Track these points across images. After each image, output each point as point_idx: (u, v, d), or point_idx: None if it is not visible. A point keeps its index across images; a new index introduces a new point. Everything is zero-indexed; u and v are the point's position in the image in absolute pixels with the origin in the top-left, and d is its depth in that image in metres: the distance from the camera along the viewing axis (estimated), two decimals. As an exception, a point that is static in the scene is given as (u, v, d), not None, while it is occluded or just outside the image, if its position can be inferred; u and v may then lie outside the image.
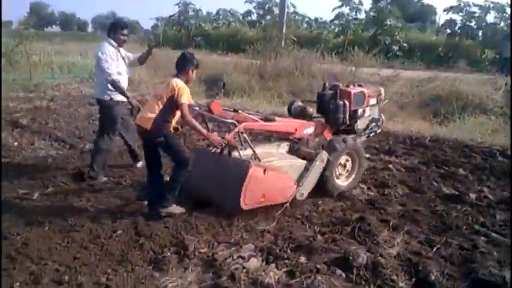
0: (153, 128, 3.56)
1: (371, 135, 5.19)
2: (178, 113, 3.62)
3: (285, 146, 4.49)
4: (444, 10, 22.15)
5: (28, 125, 7.18)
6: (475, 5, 20.39)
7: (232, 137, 3.71)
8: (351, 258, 2.97)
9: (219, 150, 3.74)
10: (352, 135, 4.66)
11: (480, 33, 19.50)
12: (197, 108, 4.07)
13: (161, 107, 3.56)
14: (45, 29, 70.51)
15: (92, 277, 2.82)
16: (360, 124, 4.87)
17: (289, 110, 4.79)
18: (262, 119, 4.15)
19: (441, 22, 24.34)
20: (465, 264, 3.08)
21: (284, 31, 15.53)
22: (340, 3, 22.63)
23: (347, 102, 4.52)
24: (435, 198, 4.47)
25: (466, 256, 3.19)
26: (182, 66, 3.71)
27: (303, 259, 3.07)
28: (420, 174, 5.24)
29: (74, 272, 2.87)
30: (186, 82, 3.67)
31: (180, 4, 28.60)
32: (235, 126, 3.75)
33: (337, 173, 4.50)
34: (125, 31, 4.63)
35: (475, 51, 18.95)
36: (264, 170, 3.69)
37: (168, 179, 3.92)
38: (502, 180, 5.14)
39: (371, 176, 5.06)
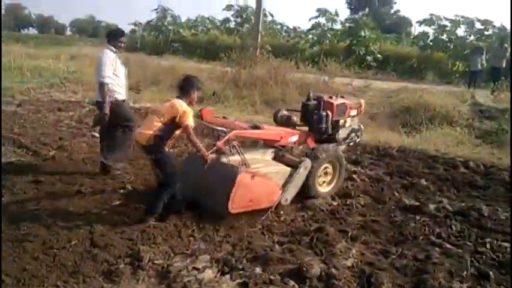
0: (149, 144, 3.68)
1: (350, 144, 5.42)
2: (177, 133, 3.79)
3: (270, 153, 4.64)
4: (417, 22, 22.52)
5: (-8, 130, 6.98)
6: (446, 19, 20.91)
7: (223, 144, 3.88)
8: (304, 269, 2.99)
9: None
10: (333, 144, 4.86)
11: (451, 46, 20.01)
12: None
13: (160, 125, 3.67)
14: (22, 31, 69.11)
15: (40, 289, 2.75)
16: (341, 134, 5.08)
17: (275, 118, 5.02)
18: (250, 127, 4.34)
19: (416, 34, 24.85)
20: (417, 275, 3.13)
21: (259, 40, 15.64)
22: (317, 14, 22.91)
23: (330, 113, 4.74)
24: (395, 208, 4.54)
25: (419, 267, 3.25)
26: (185, 89, 3.86)
27: (258, 270, 3.07)
28: (383, 184, 5.33)
29: (22, 284, 2.79)
30: (189, 104, 3.82)
31: (158, 10, 28.44)
32: (226, 134, 3.91)
33: (319, 180, 4.69)
34: (123, 38, 5.18)
35: (446, 64, 19.47)
36: (252, 176, 3.89)
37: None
38: (462, 191, 5.27)
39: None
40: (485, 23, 20.44)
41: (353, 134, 5.28)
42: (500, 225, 4.15)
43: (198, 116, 4.16)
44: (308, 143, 4.82)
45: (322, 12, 22.98)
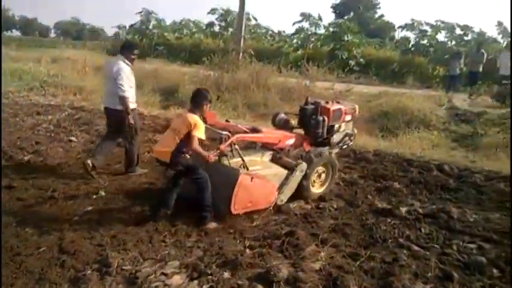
0: (172, 160, 3.85)
1: (343, 147, 5.62)
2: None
3: (268, 155, 4.81)
4: (399, 27, 22.83)
5: (-34, 135, 6.87)
6: (427, 24, 21.27)
7: (225, 147, 4.07)
8: (272, 273, 3.03)
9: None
10: (327, 147, 5.07)
11: (432, 50, 20.34)
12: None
13: (177, 140, 3.82)
14: (4, 33, 67.97)
15: (4, 297, 2.73)
16: (336, 138, 5.27)
17: (273, 120, 5.25)
18: (250, 130, 4.60)
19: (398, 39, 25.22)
20: (384, 277, 3.18)
21: (242, 44, 15.69)
22: (300, 18, 23.08)
23: (326, 118, 4.95)
24: (368, 212, 4.61)
25: (387, 269, 3.30)
26: (198, 102, 4.02)
27: (226, 275, 3.09)
28: (357, 188, 5.41)
29: (-14, 292, 2.77)
30: (201, 116, 4.00)
31: (142, 13, 28.26)
32: (229, 137, 4.11)
33: (313, 182, 4.91)
34: (136, 51, 5.36)
35: (427, 68, 19.77)
36: (252, 178, 4.04)
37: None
38: (434, 193, 5.37)
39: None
40: (465, 28, 20.89)
41: (346, 138, 5.50)
42: (468, 227, 4.25)
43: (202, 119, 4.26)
44: (304, 146, 5.05)
45: (305, 16, 23.17)
